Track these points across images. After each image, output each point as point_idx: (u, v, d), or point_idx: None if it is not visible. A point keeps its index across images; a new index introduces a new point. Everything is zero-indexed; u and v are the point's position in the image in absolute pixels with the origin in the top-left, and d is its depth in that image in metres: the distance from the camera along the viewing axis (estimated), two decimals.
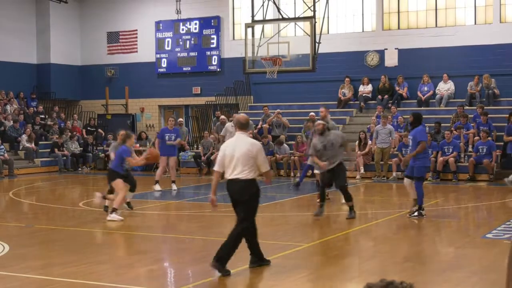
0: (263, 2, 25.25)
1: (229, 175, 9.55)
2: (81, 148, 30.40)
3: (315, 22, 24.07)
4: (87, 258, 10.78)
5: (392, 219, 15.02)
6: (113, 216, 14.85)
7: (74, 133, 30.79)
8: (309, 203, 18.54)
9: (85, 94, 35.25)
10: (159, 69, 33.41)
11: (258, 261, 10.05)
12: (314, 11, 24.40)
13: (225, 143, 9.96)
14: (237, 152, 9.45)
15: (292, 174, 25.23)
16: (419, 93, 27.55)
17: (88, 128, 32.17)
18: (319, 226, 14.55)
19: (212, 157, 25.42)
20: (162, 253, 12.06)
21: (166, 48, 33.22)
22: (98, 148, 31.16)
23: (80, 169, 29.68)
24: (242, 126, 9.73)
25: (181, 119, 28.48)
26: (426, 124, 24.52)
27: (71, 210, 17.49)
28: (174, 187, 21.68)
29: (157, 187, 21.22)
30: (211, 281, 9.40)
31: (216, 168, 9.75)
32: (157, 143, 21.65)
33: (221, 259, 9.54)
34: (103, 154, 30.16)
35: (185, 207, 17.86)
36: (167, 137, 21.49)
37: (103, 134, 31.92)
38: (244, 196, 9.58)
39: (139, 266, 10.32)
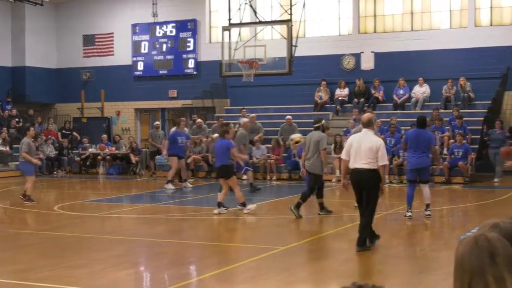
0: (240, 5, 25.26)
1: (352, 165, 11.34)
2: (57, 152, 30.22)
3: (292, 25, 24.11)
4: (63, 263, 10.72)
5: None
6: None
7: (49, 136, 30.60)
8: (285, 206, 18.56)
9: (61, 98, 35.03)
10: (135, 72, 33.29)
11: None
12: (291, 14, 24.44)
13: (352, 137, 11.82)
14: (362, 146, 11.23)
15: (268, 177, 25.24)
16: (394, 97, 27.68)
17: (64, 131, 31.96)
18: (295, 229, 14.58)
19: (188, 160, 25.29)
20: (138, 257, 12.02)
21: (143, 51, 33.11)
22: (73, 151, 30.99)
23: (55, 172, 29.50)
24: (365, 124, 11.58)
25: (157, 122, 28.45)
26: (401, 128, 24.69)
27: (46, 214, 17.37)
28: (188, 185, 22.87)
29: (170, 186, 22.35)
30: (186, 285, 9.38)
31: (343, 156, 11.67)
32: (166, 145, 23.10)
33: (361, 242, 11.30)
34: (78, 158, 30.00)
35: (161, 211, 17.81)
36: (179, 140, 22.90)
37: (79, 137, 31.75)
38: (371, 183, 11.23)
39: (115, 270, 10.28)
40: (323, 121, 16.40)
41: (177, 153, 22.80)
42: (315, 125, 15.80)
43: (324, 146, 15.20)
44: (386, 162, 11.68)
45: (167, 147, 23.07)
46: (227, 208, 16.52)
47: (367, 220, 11.45)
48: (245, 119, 22.88)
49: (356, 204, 12.25)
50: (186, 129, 24.97)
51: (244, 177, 22.63)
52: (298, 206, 15.30)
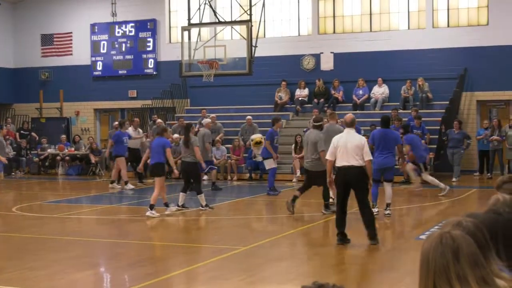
0: (200, 6, 25.21)
1: (339, 163, 11.81)
2: (15, 152, 29.87)
3: (252, 25, 24.13)
4: (22, 264, 10.62)
5: (329, 222, 15.16)
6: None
7: (7, 137, 30.23)
8: (245, 207, 18.60)
9: (19, 97, 34.62)
10: (94, 72, 33.04)
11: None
12: (251, 14, 24.46)
13: (337, 137, 12.16)
14: (348, 145, 11.72)
15: (229, 177, 25.25)
16: (354, 97, 27.86)
17: (22, 131, 31.61)
18: (256, 229, 14.61)
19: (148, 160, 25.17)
20: (98, 258, 11.95)
21: (102, 51, 32.88)
22: (32, 152, 30.67)
23: (13, 173, 29.16)
24: (349, 124, 12.26)
25: (116, 123, 28.26)
26: (361, 128, 24.85)
27: (4, 215, 17.18)
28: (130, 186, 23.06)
29: (129, 185, 22.80)
30: (147, 286, 9.35)
31: (329, 157, 12.03)
32: (110, 146, 23.48)
33: (373, 235, 11.89)
34: (37, 158, 29.71)
35: (121, 212, 17.71)
36: (124, 140, 23.09)
37: (37, 138, 31.42)
38: (360, 179, 11.78)
39: (74, 272, 10.22)
40: (324, 120, 16.66)
41: (122, 154, 22.85)
42: (316, 124, 15.72)
43: (322, 148, 15.03)
44: (371, 157, 12.26)
45: (110, 148, 23.18)
46: (187, 208, 16.58)
47: (370, 213, 12.14)
48: (208, 120, 22.89)
49: (332, 202, 13.08)
50: (140, 130, 25.08)
51: (205, 177, 22.66)
52: (327, 206, 15.63)
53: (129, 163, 24.31)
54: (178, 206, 16.68)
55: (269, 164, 20.31)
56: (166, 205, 16.33)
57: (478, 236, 2.87)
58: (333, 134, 15.81)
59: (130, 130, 24.09)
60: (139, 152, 24.02)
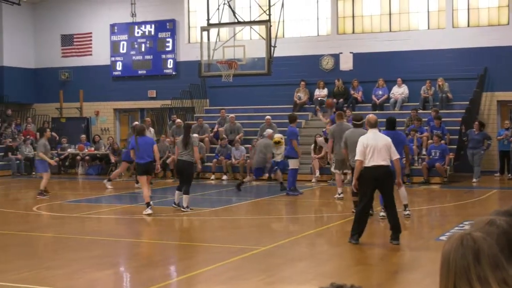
0: (219, 6, 25.23)
1: (370, 163, 11.81)
2: (35, 152, 30.01)
3: (271, 26, 24.12)
4: (41, 263, 10.67)
5: (347, 222, 15.10)
6: None
7: (28, 136, 30.42)
8: (264, 207, 18.59)
9: (39, 98, 34.82)
10: (114, 72, 33.17)
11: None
12: (270, 15, 24.45)
13: (365, 137, 12.13)
14: (379, 144, 11.85)
15: (247, 177, 25.21)
16: (373, 97, 27.78)
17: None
18: (275, 229, 14.60)
19: (168, 161, 25.27)
20: (117, 257, 11.98)
21: (121, 51, 32.99)
22: (52, 152, 30.74)
23: (33, 173, 29.27)
24: (373, 125, 12.33)
25: (136, 123, 28.33)
26: (381, 128, 24.74)
27: (24, 214, 17.27)
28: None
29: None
30: (165, 285, 9.36)
31: (359, 157, 11.92)
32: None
33: (397, 236, 11.93)
34: (57, 158, 29.83)
35: (140, 211, 17.75)
36: None
37: (57, 137, 31.56)
38: (389, 178, 12.00)
39: (93, 271, 10.24)
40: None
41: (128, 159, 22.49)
42: (358, 123, 15.51)
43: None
44: (398, 156, 12.49)
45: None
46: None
47: (396, 213, 12.09)
48: (270, 130, 22.43)
49: (354, 206, 13.10)
50: (151, 129, 24.95)
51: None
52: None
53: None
54: (174, 204, 16.75)
55: (294, 164, 20.12)
56: (148, 205, 16.37)
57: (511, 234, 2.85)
58: (342, 134, 15.82)
59: (152, 130, 24.03)
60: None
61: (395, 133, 15.02)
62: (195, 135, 25.35)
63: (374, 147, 11.83)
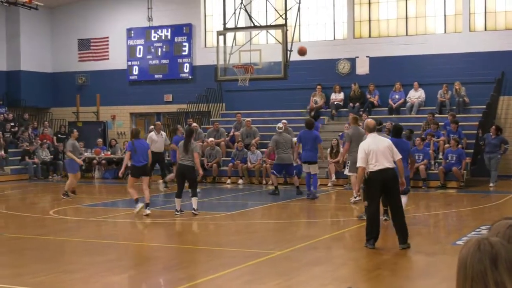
0: (235, 10, 25.25)
1: (376, 167, 11.70)
2: (52, 156, 30.17)
3: (287, 30, 24.12)
4: (58, 267, 10.71)
5: (363, 227, 15.07)
6: None
7: (45, 140, 30.55)
8: (280, 211, 18.57)
9: (56, 102, 35.01)
10: (130, 77, 33.29)
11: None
12: (286, 19, 24.44)
13: (365, 143, 12.03)
14: (380, 147, 11.76)
15: (264, 181, 25.23)
16: (390, 101, 27.71)
17: (59, 135, 31.92)
18: (291, 233, 14.58)
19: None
20: (133, 261, 12.01)
21: (138, 56, 33.11)
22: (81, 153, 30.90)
23: (50, 177, 29.45)
24: (371, 129, 12.22)
25: (152, 127, 28.41)
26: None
27: (41, 218, 17.34)
28: None
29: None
30: None
31: (361, 164, 11.81)
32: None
33: (405, 240, 11.90)
34: (84, 156, 29.91)
35: (156, 215, 17.78)
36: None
37: None
38: (395, 180, 11.94)
39: (110, 275, 10.27)
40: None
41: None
42: (379, 127, 15.52)
43: (398, 156, 14.20)
44: (401, 156, 12.28)
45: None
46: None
47: (402, 217, 12.02)
48: (283, 122, 23.16)
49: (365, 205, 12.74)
50: (163, 133, 24.96)
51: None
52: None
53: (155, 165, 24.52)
54: (176, 212, 16.75)
55: (315, 169, 20.25)
56: (137, 202, 16.91)
57: None
58: (359, 138, 15.84)
59: (153, 134, 24.01)
60: (163, 155, 24.06)
61: (401, 141, 14.92)
62: (211, 139, 25.53)
63: (375, 151, 11.77)
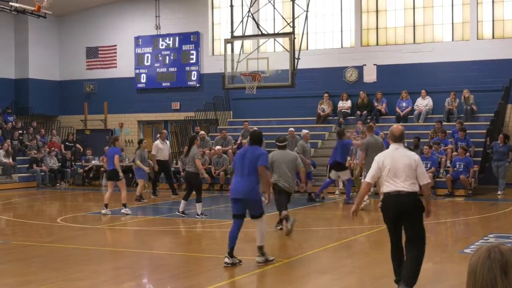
0: (243, 18, 25.31)
1: (389, 188, 9.11)
2: (60, 164, 30.24)
3: (294, 38, 24.15)
4: (65, 275, 10.71)
5: (370, 234, 15.06)
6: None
7: (53, 148, 30.62)
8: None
9: (64, 110, 35.11)
10: (138, 85, 33.36)
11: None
12: (293, 27, 24.48)
13: (382, 155, 9.42)
14: (399, 164, 9.07)
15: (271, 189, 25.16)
16: (397, 109, 27.69)
17: (67, 143, 32.01)
18: (298, 241, 14.55)
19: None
20: (140, 269, 12.00)
21: (145, 64, 33.19)
22: (76, 163, 30.99)
23: (58, 185, 29.50)
24: (397, 138, 9.37)
25: (158, 135, 28.44)
26: (405, 140, 24.65)
27: (49, 226, 17.36)
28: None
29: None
30: None
31: (369, 179, 9.38)
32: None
33: (411, 283, 9.09)
34: (81, 170, 30.03)
35: (162, 223, 17.80)
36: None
37: (82, 149, 31.78)
38: (414, 209, 9.07)
39: (117, 283, 10.27)
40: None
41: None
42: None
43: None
44: (429, 180, 9.63)
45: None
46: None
47: (420, 257, 9.28)
48: (305, 131, 22.86)
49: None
50: (167, 141, 25.15)
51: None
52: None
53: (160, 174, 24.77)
54: (178, 212, 17.91)
55: (346, 174, 21.09)
56: (125, 206, 18.80)
57: None
58: (376, 147, 15.82)
59: (158, 142, 24.15)
60: (168, 164, 24.33)
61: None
62: (218, 147, 25.53)
63: (392, 167, 9.07)
